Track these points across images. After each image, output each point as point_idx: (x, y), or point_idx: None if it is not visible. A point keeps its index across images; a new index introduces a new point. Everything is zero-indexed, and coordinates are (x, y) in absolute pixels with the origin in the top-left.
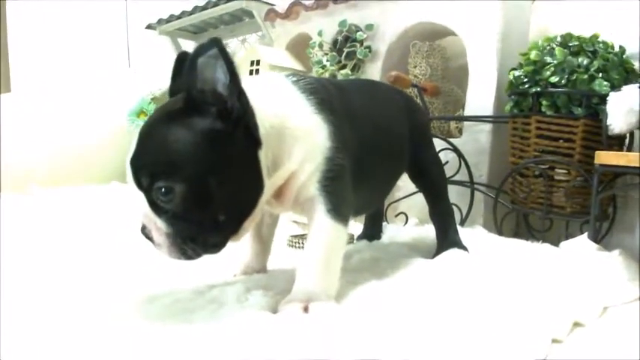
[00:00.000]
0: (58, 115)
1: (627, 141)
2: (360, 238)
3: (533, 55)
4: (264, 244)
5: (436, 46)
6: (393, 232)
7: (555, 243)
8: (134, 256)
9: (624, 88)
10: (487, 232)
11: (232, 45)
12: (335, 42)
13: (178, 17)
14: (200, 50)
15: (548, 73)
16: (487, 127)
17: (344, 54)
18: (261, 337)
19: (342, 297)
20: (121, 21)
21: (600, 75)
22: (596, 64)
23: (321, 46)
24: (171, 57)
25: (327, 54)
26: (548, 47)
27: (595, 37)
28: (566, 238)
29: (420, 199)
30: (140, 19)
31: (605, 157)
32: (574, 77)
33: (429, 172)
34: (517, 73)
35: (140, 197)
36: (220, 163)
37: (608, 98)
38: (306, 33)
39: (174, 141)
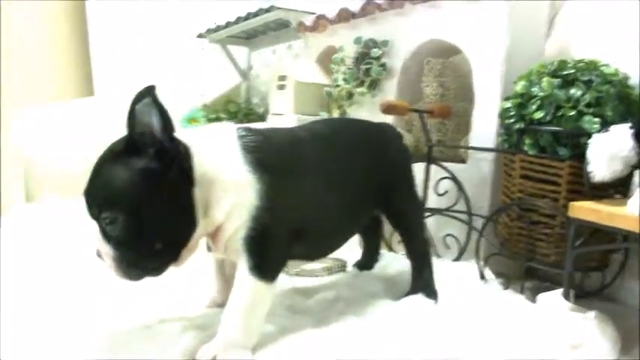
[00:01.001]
0: None
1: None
2: (354, 265)
3: (519, 86)
4: (226, 281)
5: (449, 63)
6: (387, 261)
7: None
8: None
9: (612, 128)
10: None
11: (278, 51)
12: (357, 57)
13: (225, 27)
14: (137, 98)
15: (534, 107)
16: (490, 155)
17: (361, 71)
18: None
19: (264, 346)
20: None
21: (592, 110)
22: (587, 97)
23: (343, 61)
24: (222, 63)
25: (350, 69)
26: (538, 77)
27: (593, 63)
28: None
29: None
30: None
31: (578, 210)
32: (560, 113)
33: (402, 212)
34: (507, 104)
35: (95, 227)
36: (155, 198)
37: (589, 141)
38: (334, 46)
39: (115, 178)
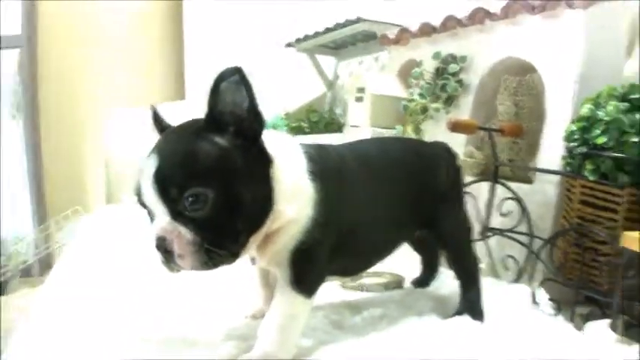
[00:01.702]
0: None
1: None
2: (412, 282)
3: (585, 109)
4: (271, 289)
5: (524, 82)
6: (443, 279)
7: None
8: None
9: None
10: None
11: (366, 62)
12: (437, 71)
13: (313, 36)
14: (223, 76)
15: (597, 132)
16: (555, 178)
17: (438, 86)
18: None
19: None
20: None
21: None
22: None
23: (422, 75)
24: (309, 73)
25: (428, 83)
26: (607, 100)
27: None
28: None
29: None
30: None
31: (631, 240)
32: (624, 139)
33: (449, 233)
34: (572, 127)
35: (159, 211)
36: (242, 175)
37: None
38: (415, 59)
39: (201, 153)
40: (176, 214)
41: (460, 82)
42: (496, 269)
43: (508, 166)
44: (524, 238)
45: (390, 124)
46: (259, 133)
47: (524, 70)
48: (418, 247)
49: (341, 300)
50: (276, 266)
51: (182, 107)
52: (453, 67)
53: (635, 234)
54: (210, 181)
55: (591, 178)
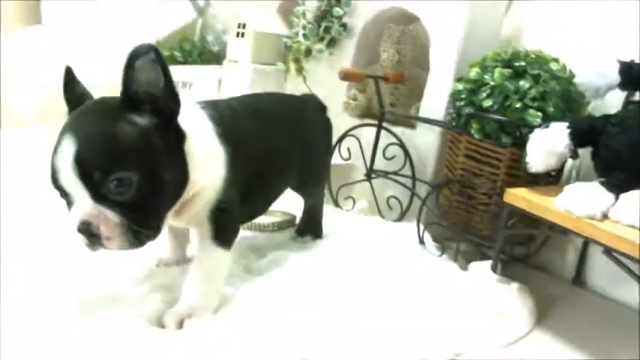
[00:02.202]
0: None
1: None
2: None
3: (473, 73)
4: (179, 238)
5: (408, 31)
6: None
7: None
8: None
9: (551, 125)
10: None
11: None
12: (319, 12)
13: None
14: (137, 53)
15: (484, 95)
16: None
17: (322, 28)
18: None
19: (224, 307)
20: None
21: (536, 104)
22: (533, 91)
23: (304, 14)
24: None
25: (309, 23)
26: (493, 65)
27: (544, 58)
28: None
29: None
30: None
31: (512, 197)
32: (508, 103)
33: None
34: (459, 86)
35: (80, 195)
36: (161, 154)
37: (530, 134)
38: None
39: (124, 135)
40: (99, 198)
41: (344, 25)
42: (380, 209)
43: (397, 114)
44: (407, 181)
45: (271, 60)
46: (176, 112)
47: (407, 20)
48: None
49: (246, 244)
50: (196, 226)
51: (39, 33)
52: (337, 11)
53: (516, 190)
54: (134, 163)
55: (477, 136)
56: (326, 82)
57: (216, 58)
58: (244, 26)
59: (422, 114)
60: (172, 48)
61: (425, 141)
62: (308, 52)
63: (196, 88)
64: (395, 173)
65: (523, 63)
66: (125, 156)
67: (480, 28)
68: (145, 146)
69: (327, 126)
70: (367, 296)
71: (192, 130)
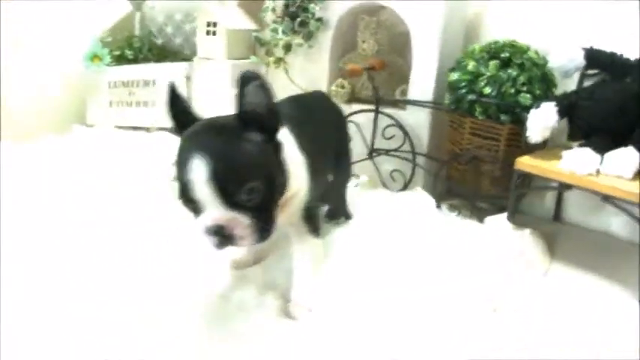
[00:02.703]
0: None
1: None
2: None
3: (471, 66)
4: None
5: (382, 22)
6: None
7: None
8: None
9: (542, 105)
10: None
11: None
12: (287, 5)
13: None
14: (247, 80)
15: (482, 84)
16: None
17: (297, 22)
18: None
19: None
20: None
21: (525, 88)
22: (522, 78)
23: (273, 10)
24: None
25: (279, 18)
26: (484, 57)
27: (521, 47)
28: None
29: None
30: None
31: (522, 164)
32: (503, 89)
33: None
34: (455, 76)
35: (213, 204)
36: (273, 164)
37: (529, 113)
38: None
39: (248, 151)
40: (231, 205)
41: (320, 20)
42: (384, 182)
43: (399, 101)
44: (408, 156)
45: (245, 55)
46: (277, 128)
47: (378, 10)
48: None
49: None
50: (290, 225)
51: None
52: (312, 8)
53: (525, 159)
54: (259, 174)
55: (480, 117)
56: (305, 74)
57: (172, 54)
58: (215, 24)
59: (411, 96)
60: (121, 47)
61: (416, 119)
62: (288, 47)
63: (160, 86)
64: (396, 150)
65: (508, 54)
66: (252, 169)
67: (451, 17)
68: (264, 159)
69: (342, 114)
70: (415, 257)
71: (284, 142)
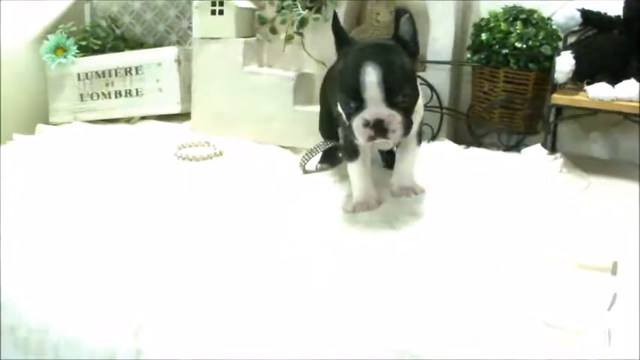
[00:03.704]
0: None
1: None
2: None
3: (503, 25)
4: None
5: None
6: None
7: None
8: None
9: (562, 53)
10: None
11: None
12: None
13: None
14: (401, 14)
15: (514, 40)
16: (445, 65)
17: None
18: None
19: None
20: None
21: (544, 41)
22: (542, 33)
23: None
24: None
25: None
26: (508, 19)
27: (535, 11)
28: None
29: None
30: None
31: (558, 99)
32: (530, 43)
33: None
34: (484, 36)
35: (378, 103)
36: (416, 79)
37: (554, 59)
38: None
39: (406, 65)
40: (390, 104)
41: None
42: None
43: (426, 62)
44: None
45: (249, 33)
46: (417, 52)
47: None
48: None
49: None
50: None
51: None
52: None
53: (557, 95)
54: (411, 83)
55: (514, 67)
56: (317, 48)
57: (140, 44)
58: (221, 3)
59: (430, 57)
60: (85, 37)
61: (438, 78)
62: (302, 21)
63: (149, 71)
64: (426, 105)
65: (524, 16)
66: (408, 78)
67: None
68: (413, 72)
69: None
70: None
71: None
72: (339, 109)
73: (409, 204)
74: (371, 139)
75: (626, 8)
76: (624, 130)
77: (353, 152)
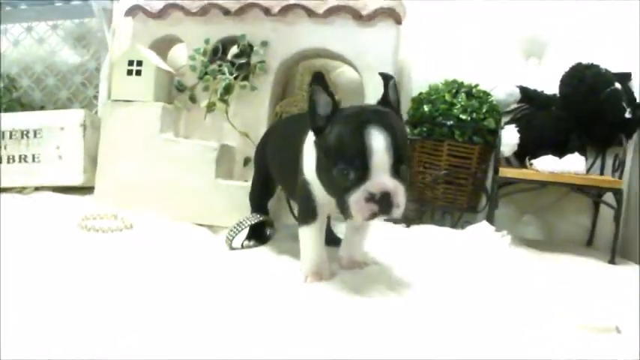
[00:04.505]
0: None
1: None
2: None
3: (447, 96)
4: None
5: (322, 65)
6: None
7: None
8: None
9: (508, 127)
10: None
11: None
12: (215, 51)
13: None
14: (389, 78)
15: (458, 111)
16: None
17: (236, 65)
18: None
19: None
20: None
21: (487, 115)
22: (485, 107)
23: (205, 53)
24: None
25: (222, 64)
26: (452, 92)
27: (470, 84)
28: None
29: None
30: None
31: (505, 172)
32: (474, 116)
33: None
34: (427, 108)
35: (384, 171)
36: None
37: (499, 133)
38: (175, 35)
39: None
40: (395, 175)
41: (263, 62)
42: None
43: None
44: None
45: (165, 100)
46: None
47: (318, 53)
48: None
49: None
50: None
51: None
52: (256, 51)
53: (504, 169)
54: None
55: (459, 139)
56: (240, 118)
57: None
58: (140, 63)
59: None
60: None
61: None
62: (228, 88)
63: (49, 136)
64: None
65: (465, 89)
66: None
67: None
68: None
69: None
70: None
71: None
72: (304, 163)
73: (367, 277)
74: (373, 216)
75: (563, 86)
76: (560, 212)
77: (311, 214)
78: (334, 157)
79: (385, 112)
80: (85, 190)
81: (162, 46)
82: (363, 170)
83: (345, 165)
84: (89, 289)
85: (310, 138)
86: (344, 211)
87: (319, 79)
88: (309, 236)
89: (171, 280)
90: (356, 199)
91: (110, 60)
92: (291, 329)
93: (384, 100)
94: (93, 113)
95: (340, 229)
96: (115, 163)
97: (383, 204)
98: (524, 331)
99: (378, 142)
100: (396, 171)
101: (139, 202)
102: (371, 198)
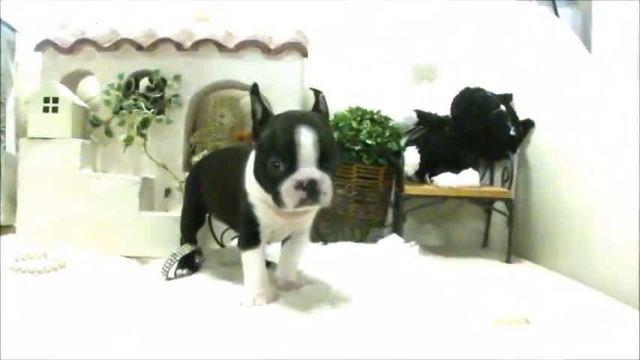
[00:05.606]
0: None
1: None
2: None
3: (354, 124)
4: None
5: (234, 101)
6: None
7: None
8: None
9: (409, 149)
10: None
11: None
12: (128, 84)
13: None
14: (319, 93)
15: (365, 137)
16: None
17: (150, 99)
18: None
19: None
20: None
21: (390, 139)
22: (387, 132)
23: (119, 88)
24: None
25: (138, 99)
26: (357, 119)
27: (371, 111)
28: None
29: None
30: None
31: (410, 189)
32: (378, 140)
33: None
34: (335, 135)
35: (310, 164)
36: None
37: (402, 154)
38: (86, 70)
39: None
40: (321, 167)
41: (177, 96)
42: None
43: None
44: None
45: (81, 135)
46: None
47: (229, 84)
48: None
49: None
50: (305, 226)
51: None
52: (170, 85)
53: (409, 187)
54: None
55: (367, 162)
56: (156, 150)
57: None
58: (56, 100)
59: None
60: None
61: None
62: (145, 122)
63: None
64: None
65: (369, 116)
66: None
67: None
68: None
69: None
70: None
71: None
72: (247, 186)
73: (307, 296)
74: (302, 202)
75: (455, 108)
76: (457, 219)
77: (254, 239)
78: (267, 152)
79: (313, 115)
80: (6, 228)
81: (72, 80)
82: (292, 163)
83: (276, 158)
84: (39, 335)
85: (252, 160)
86: (277, 200)
87: (256, 91)
88: (253, 260)
89: (124, 316)
90: (286, 187)
91: (15, 94)
92: (250, 351)
93: (315, 109)
94: (7, 151)
95: (272, 251)
96: (36, 201)
97: (310, 191)
98: (449, 331)
99: (305, 138)
100: (324, 164)
101: (64, 239)
102: (299, 186)
